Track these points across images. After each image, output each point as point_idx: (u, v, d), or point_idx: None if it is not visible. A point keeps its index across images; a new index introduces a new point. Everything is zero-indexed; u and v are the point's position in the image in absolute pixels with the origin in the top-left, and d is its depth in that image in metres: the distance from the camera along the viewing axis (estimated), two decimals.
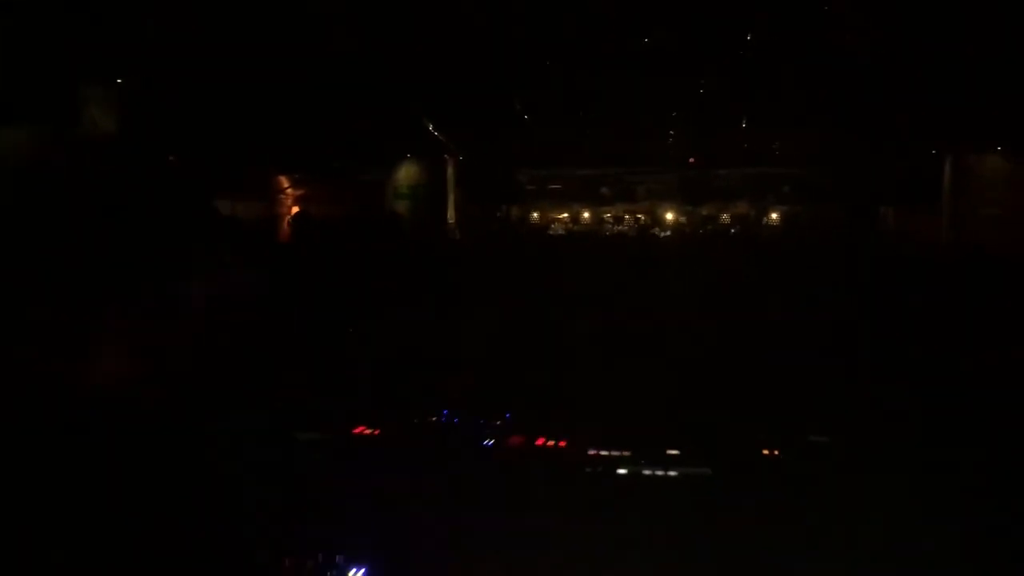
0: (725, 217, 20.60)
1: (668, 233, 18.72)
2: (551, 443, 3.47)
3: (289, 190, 16.99)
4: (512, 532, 2.72)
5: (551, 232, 17.78)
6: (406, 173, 16.75)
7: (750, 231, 19.12)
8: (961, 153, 14.97)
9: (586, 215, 21.16)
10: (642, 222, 20.58)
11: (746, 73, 12.52)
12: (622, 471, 3.21)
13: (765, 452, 3.14)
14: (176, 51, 9.21)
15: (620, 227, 20.49)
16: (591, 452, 3.35)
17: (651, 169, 19.86)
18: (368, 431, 3.59)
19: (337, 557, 2.03)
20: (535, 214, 21.21)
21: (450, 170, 17.13)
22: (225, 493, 2.95)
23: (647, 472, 3.17)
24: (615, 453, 3.31)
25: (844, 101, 13.06)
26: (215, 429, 3.42)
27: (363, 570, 1.87)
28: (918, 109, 12.73)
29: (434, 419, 3.62)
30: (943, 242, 14.54)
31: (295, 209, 16.45)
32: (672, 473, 3.13)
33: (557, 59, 12.03)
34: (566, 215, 21.25)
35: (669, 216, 20.63)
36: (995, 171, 14.69)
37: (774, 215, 20.53)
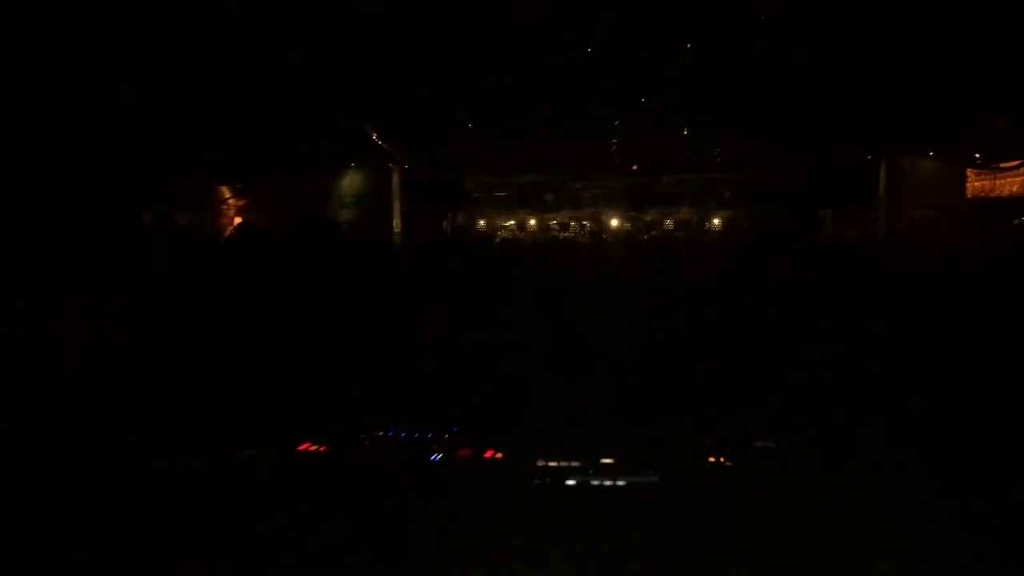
0: (669, 223, 20.88)
1: (607, 238, 18.88)
2: (500, 455, 3.46)
3: (231, 200, 16.73)
4: (462, 547, 2.70)
5: (497, 239, 17.81)
6: (351, 182, 16.62)
7: (693, 236, 19.40)
8: (895, 157, 15.43)
9: (532, 222, 21.25)
10: (588, 228, 20.75)
11: (687, 81, 12.72)
12: (571, 482, 3.21)
13: (712, 459, 3.17)
14: (107, 55, 8.99)
15: (566, 233, 20.62)
16: (540, 463, 3.34)
17: (595, 176, 20.03)
18: (314, 448, 3.53)
19: None
20: (481, 221, 21.24)
21: (395, 178, 17.03)
22: (159, 516, 2.88)
23: (595, 482, 3.17)
24: (564, 464, 3.31)
25: (783, 108, 13.35)
26: (148, 447, 3.33)
27: None
28: (854, 115, 13.07)
29: (381, 434, 3.58)
30: (878, 242, 14.96)
31: (237, 220, 16.21)
32: (620, 483, 3.13)
33: (501, 66, 12.06)
34: (512, 222, 21.32)
35: (614, 222, 20.83)
36: (927, 174, 15.17)
37: (716, 220, 20.86)
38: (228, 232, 15.67)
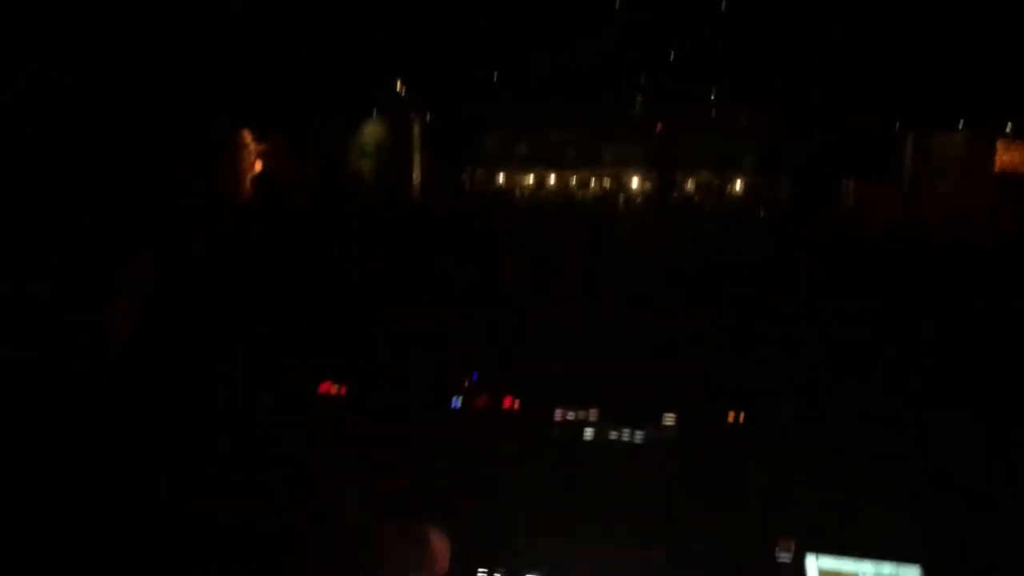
0: (690, 185, 20.72)
1: (638, 199, 18.77)
2: (517, 405, 3.47)
3: (252, 145, 16.71)
4: (478, 495, 2.72)
5: (517, 195, 17.75)
6: (371, 131, 16.56)
7: (715, 200, 19.27)
8: (923, 129, 15.18)
9: (552, 179, 21.16)
10: (608, 187, 20.65)
11: (714, 41, 12.56)
12: (588, 434, 3.22)
13: (731, 417, 3.17)
14: None
15: (586, 192, 20.52)
16: (557, 414, 3.35)
17: (617, 134, 19.87)
18: (335, 389, 3.56)
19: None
20: (501, 177, 21.16)
21: (416, 131, 16.95)
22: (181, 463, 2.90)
23: (613, 436, 3.18)
24: (582, 415, 3.32)
25: (810, 72, 13.17)
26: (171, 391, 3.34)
27: None
28: (882, 82, 12.87)
29: (401, 379, 3.59)
30: (902, 220, 14.78)
31: (258, 165, 16.21)
32: (638, 436, 3.14)
33: (526, 18, 11.94)
34: (531, 178, 21.23)
35: (635, 182, 20.71)
36: (956, 149, 14.92)
37: (737, 185, 20.70)
38: (249, 178, 15.68)
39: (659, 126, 18.90)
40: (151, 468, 1.31)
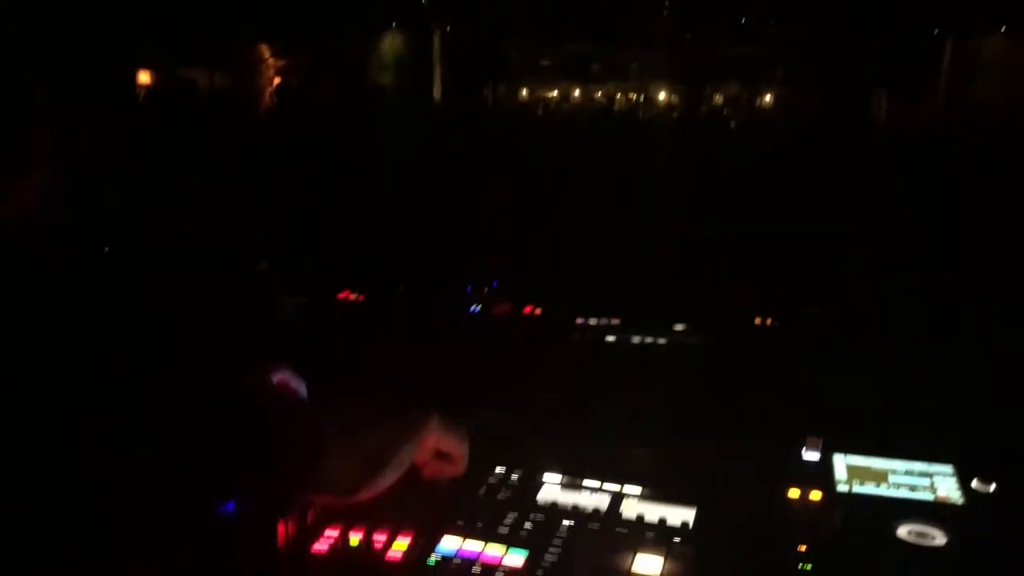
0: (718, 98, 20.30)
1: (665, 112, 18.41)
2: (538, 311, 3.41)
3: (271, 60, 16.47)
4: (497, 398, 2.68)
5: (540, 107, 17.47)
6: (391, 44, 16.24)
7: (743, 112, 18.88)
8: (963, 34, 14.56)
9: (576, 93, 20.77)
10: (634, 100, 20.27)
11: None
12: (610, 339, 3.17)
13: (757, 321, 3.10)
14: None
15: (612, 104, 20.17)
16: (579, 320, 3.29)
17: (643, 46, 19.39)
18: (352, 296, 3.52)
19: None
20: (524, 91, 20.80)
21: (436, 43, 16.61)
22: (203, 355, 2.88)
23: (636, 340, 3.12)
24: (604, 321, 3.26)
25: None
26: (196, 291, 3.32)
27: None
28: None
29: (420, 285, 3.55)
30: (938, 133, 14.35)
31: (277, 80, 16.01)
32: (661, 341, 3.08)
33: None
34: (555, 93, 20.86)
35: (661, 95, 20.30)
36: (1000, 56, 14.30)
37: (767, 97, 20.26)
38: (268, 93, 15.50)
39: (688, 36, 18.37)
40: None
